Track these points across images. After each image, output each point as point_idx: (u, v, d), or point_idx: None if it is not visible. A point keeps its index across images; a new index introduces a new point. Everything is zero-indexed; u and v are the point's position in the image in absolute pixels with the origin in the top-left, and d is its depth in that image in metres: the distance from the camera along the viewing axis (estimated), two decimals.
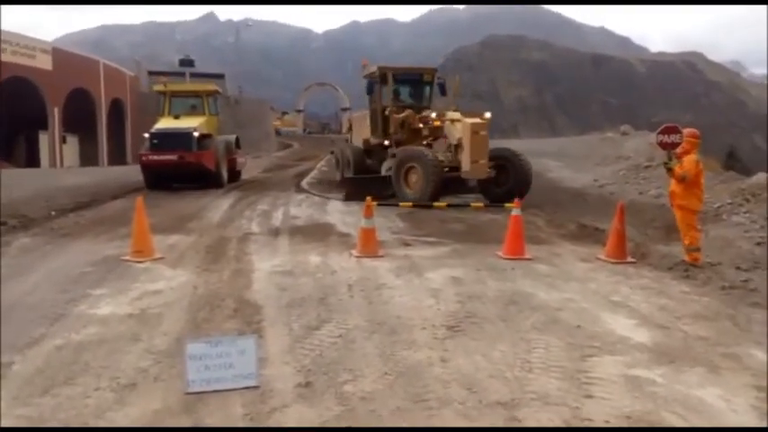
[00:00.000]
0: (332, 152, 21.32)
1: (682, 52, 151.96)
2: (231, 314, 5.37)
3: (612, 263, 7.78)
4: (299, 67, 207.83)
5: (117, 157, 38.72)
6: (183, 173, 16.67)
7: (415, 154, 13.10)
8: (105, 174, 23.12)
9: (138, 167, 17.44)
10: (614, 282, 6.91)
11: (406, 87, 15.96)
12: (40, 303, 5.65)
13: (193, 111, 18.23)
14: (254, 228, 10.40)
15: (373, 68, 15.83)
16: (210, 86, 19.84)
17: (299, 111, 78.50)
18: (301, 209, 13.10)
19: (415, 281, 6.64)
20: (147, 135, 16.81)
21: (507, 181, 13.27)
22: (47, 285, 6.32)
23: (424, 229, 10.19)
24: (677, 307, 5.96)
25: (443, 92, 15.95)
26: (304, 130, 73.47)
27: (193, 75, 52.60)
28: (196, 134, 16.52)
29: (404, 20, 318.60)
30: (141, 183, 17.10)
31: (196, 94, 18.99)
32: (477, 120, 13.00)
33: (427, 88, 15.75)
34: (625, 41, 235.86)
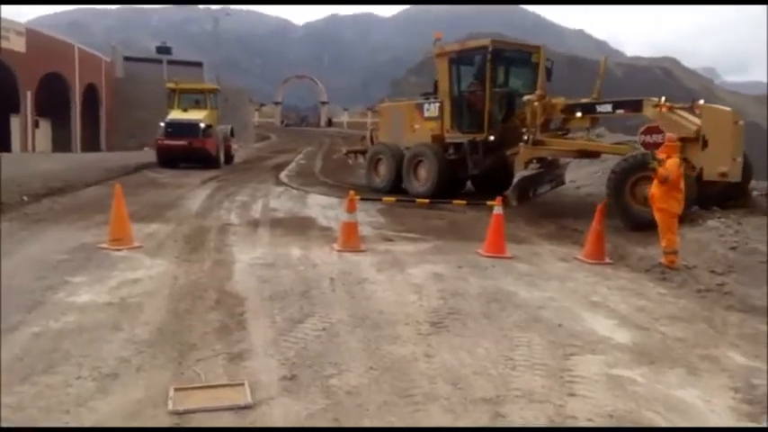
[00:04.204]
0: (356, 152, 19.19)
1: (657, 57, 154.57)
2: (213, 305, 5.32)
3: (590, 263, 7.87)
4: (277, 58, 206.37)
5: (91, 144, 37.99)
6: (190, 156, 20.48)
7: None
8: (78, 160, 22.68)
9: (109, 154, 18.66)
10: (593, 282, 6.99)
11: (514, 68, 14.18)
12: (16, 290, 5.51)
13: (198, 105, 22.55)
14: (234, 219, 10.30)
15: (483, 42, 13.74)
16: (212, 86, 24.87)
17: (277, 103, 78.02)
18: (281, 201, 13.02)
19: (398, 276, 6.65)
20: (162, 124, 20.85)
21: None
22: (23, 272, 6.18)
23: (405, 225, 10.21)
24: (655, 308, 6.05)
25: (550, 76, 13.65)
26: (282, 122, 73.04)
27: (171, 62, 52.03)
28: (202, 125, 20.57)
29: (384, 15, 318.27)
30: (115, 170, 17.47)
31: (201, 92, 23.72)
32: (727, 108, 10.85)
33: (533, 71, 13.62)
34: (602, 45, 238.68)
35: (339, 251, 7.77)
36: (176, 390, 3.61)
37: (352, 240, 7.88)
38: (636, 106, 11.50)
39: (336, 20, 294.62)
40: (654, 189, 8.01)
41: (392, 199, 10.86)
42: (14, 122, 33.16)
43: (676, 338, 5.15)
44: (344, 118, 77.03)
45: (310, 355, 4.25)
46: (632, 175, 10.27)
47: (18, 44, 31.66)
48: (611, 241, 8.89)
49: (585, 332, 5.13)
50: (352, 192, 8.14)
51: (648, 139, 8.65)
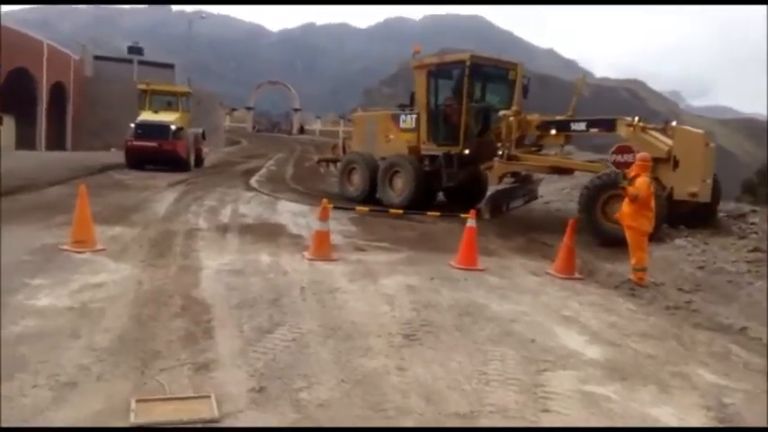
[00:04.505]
0: (328, 161, 19.01)
1: (624, 79, 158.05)
2: (178, 312, 5.14)
3: (561, 278, 7.89)
4: (250, 63, 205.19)
5: (56, 142, 37.07)
6: (159, 158, 20.09)
7: None
8: (43, 158, 22.07)
9: (75, 154, 18.23)
10: (564, 297, 7.00)
11: (491, 84, 14.14)
12: None
13: (169, 107, 22.18)
14: (202, 223, 10.08)
15: (461, 56, 13.76)
16: (184, 88, 24.70)
17: (249, 108, 77.40)
18: (251, 207, 12.82)
19: (370, 287, 6.55)
20: (132, 125, 20.39)
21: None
22: None
23: (377, 235, 10.12)
24: (626, 324, 6.07)
25: (527, 93, 13.85)
26: (253, 127, 72.46)
27: (142, 63, 51.19)
28: (173, 127, 20.19)
29: (359, 26, 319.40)
30: (80, 170, 17.04)
31: (173, 94, 23.34)
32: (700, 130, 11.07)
33: (510, 87, 13.84)
34: (572, 64, 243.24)
35: (310, 260, 7.64)
36: (138, 401, 3.44)
37: (323, 249, 7.75)
38: (610, 125, 11.66)
39: (312, 28, 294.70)
40: (625, 207, 8.08)
41: (365, 209, 10.76)
42: None
43: (647, 355, 5.16)
44: (317, 126, 76.81)
45: (280, 367, 4.12)
46: (604, 192, 10.39)
47: None
48: (580, 257, 8.93)
49: (558, 347, 5.10)
50: (325, 200, 8.02)
51: (619, 158, 8.76)
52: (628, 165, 8.65)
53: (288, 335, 4.75)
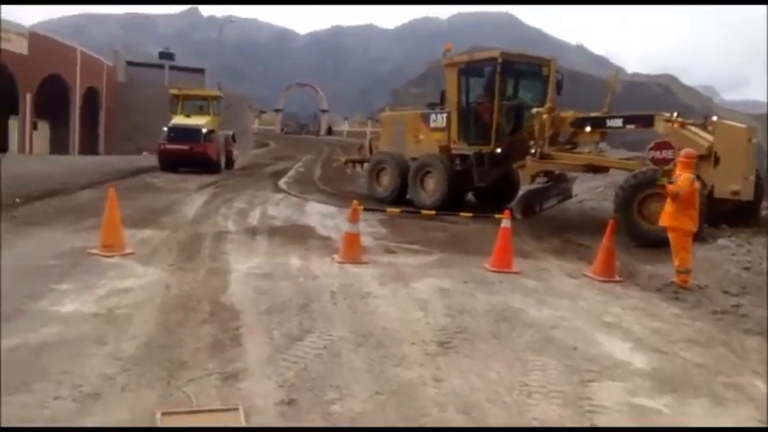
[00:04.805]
0: (354, 161, 18.87)
1: (656, 74, 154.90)
2: (207, 318, 5.00)
3: (600, 281, 7.59)
4: (279, 66, 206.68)
5: (89, 147, 37.69)
6: (191, 160, 20.49)
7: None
8: (75, 162, 22.34)
9: (107, 158, 18.32)
10: (604, 301, 6.70)
11: (523, 80, 13.84)
12: None
13: (201, 111, 22.73)
14: (230, 226, 10.00)
15: (492, 53, 13.41)
16: (215, 92, 24.81)
17: (277, 110, 77.87)
18: (279, 209, 12.73)
19: (401, 291, 6.35)
20: (165, 129, 21.01)
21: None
22: (5, 278, 5.83)
23: (407, 236, 9.92)
24: (671, 330, 5.76)
25: (560, 90, 13.29)
26: (282, 129, 72.85)
27: (173, 68, 51.88)
28: (204, 130, 20.76)
29: (387, 26, 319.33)
30: (111, 174, 17.24)
31: (204, 98, 23.82)
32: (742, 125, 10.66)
33: (543, 84, 13.31)
34: (602, 60, 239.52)
35: (340, 262, 7.47)
36: (164, 414, 3.29)
37: (353, 251, 7.57)
38: (647, 121, 11.27)
39: (339, 30, 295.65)
40: (667, 206, 7.73)
41: (397, 210, 10.53)
42: (13, 124, 32.88)
43: (696, 364, 4.85)
44: (345, 127, 76.88)
45: (311, 377, 3.93)
46: (641, 191, 10.04)
47: (20, 46, 31.42)
48: (618, 258, 8.58)
49: (602, 356, 4.83)
50: (355, 201, 7.84)
51: (658, 154, 8.41)
52: (667, 161, 8.31)
53: (318, 342, 4.57)
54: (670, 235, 7.71)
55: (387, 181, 15.28)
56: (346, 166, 19.50)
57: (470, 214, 10.28)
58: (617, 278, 7.77)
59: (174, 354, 4.15)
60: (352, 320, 5.19)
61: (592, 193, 18.59)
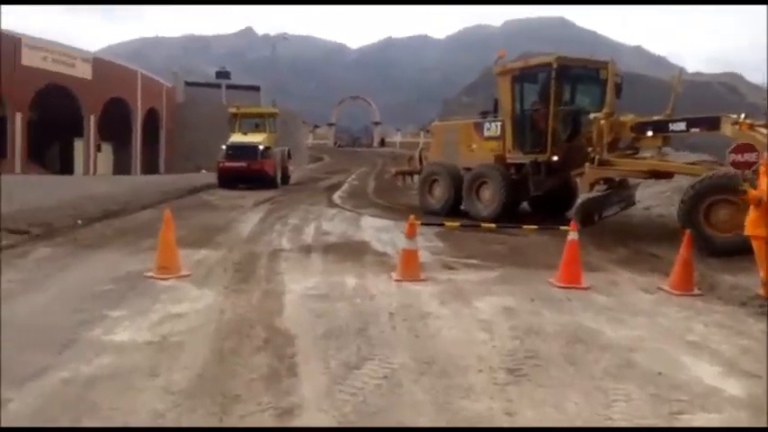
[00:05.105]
0: (404, 173, 18.71)
1: (720, 73, 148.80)
2: (261, 345, 4.77)
3: (678, 295, 7.02)
4: (331, 80, 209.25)
5: (150, 166, 38.84)
6: (249, 177, 21.03)
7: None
8: (137, 182, 22.95)
9: (167, 176, 18.79)
10: (685, 317, 6.16)
11: (580, 85, 13.36)
12: (49, 325, 5.13)
13: (257, 128, 23.47)
14: (285, 244, 9.87)
15: (547, 58, 12.92)
16: (271, 110, 26.19)
17: (330, 124, 78.66)
18: (334, 224, 12.58)
19: (464, 310, 5.99)
20: (223, 147, 21.92)
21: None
22: (60, 304, 5.81)
23: (465, 250, 9.54)
24: (762, 350, 5.19)
25: (620, 93, 12.59)
26: (335, 143, 73.48)
27: (229, 86, 53.14)
28: (261, 147, 21.47)
29: (438, 36, 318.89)
30: (171, 193, 17.53)
31: (260, 116, 24.75)
32: None
33: (601, 88, 12.63)
34: (661, 61, 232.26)
35: (397, 280, 7.17)
36: None
37: (411, 269, 7.26)
38: (713, 124, 10.61)
39: (390, 42, 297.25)
40: (751, 213, 7.11)
41: (456, 223, 10.15)
42: (78, 146, 34.22)
43: None
44: (397, 138, 76.95)
45: (370, 411, 3.64)
46: (707, 197, 9.50)
47: (84, 71, 32.77)
48: (695, 268, 8.00)
49: (691, 382, 4.35)
50: (412, 216, 7.54)
51: (739, 158, 7.77)
52: (749, 164, 7.67)
53: (378, 371, 4.27)
54: (754, 244, 7.09)
55: (439, 192, 14.97)
56: (396, 177, 19.19)
57: (534, 227, 9.79)
58: (696, 291, 7.19)
59: (227, 386, 3.93)
60: (413, 345, 4.88)
61: (658, 199, 17.71)
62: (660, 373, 4.47)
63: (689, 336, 5.52)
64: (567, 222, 11.20)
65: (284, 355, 4.56)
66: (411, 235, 7.33)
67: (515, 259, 8.83)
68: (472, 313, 5.88)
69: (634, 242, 10.71)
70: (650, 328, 5.69)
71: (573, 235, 7.32)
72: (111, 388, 3.87)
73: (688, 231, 7.52)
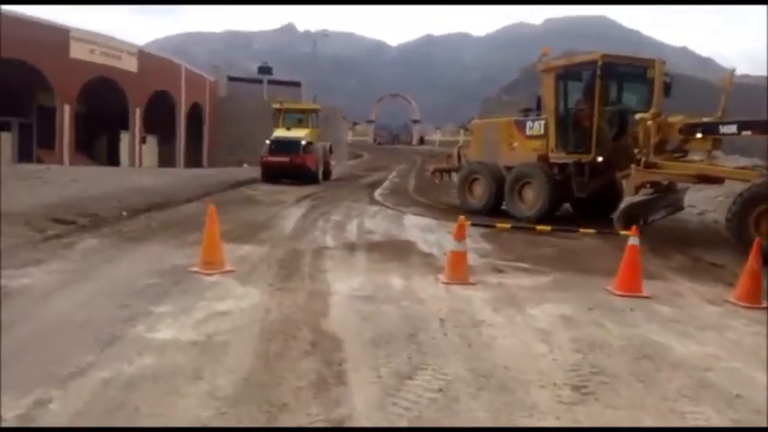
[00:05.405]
0: (443, 171, 18.34)
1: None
2: (308, 349, 4.55)
3: (745, 307, 6.56)
4: (371, 78, 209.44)
5: (193, 160, 39.27)
6: (291, 172, 21.21)
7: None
8: (181, 175, 23.12)
9: (210, 170, 19.06)
10: (757, 332, 5.72)
11: (626, 84, 12.87)
12: (94, 320, 4.99)
13: (300, 124, 23.56)
14: (329, 241, 9.67)
15: (592, 56, 12.49)
16: (314, 105, 25.82)
17: (370, 121, 78.61)
18: (376, 221, 12.34)
19: (518, 318, 5.67)
20: (267, 142, 21.96)
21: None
22: (105, 297, 5.69)
23: (514, 253, 9.19)
24: None
25: (669, 92, 12.03)
26: (374, 140, 73.40)
27: (271, 82, 53.42)
28: (303, 142, 21.50)
29: (478, 34, 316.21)
30: (214, 186, 17.69)
31: (303, 111, 24.73)
32: None
33: (648, 87, 12.06)
34: (707, 62, 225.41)
35: (445, 283, 6.89)
36: None
37: (460, 272, 6.96)
38: (766, 127, 10.09)
39: (430, 39, 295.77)
40: None
41: (507, 225, 9.78)
42: (124, 138, 34.79)
43: None
44: (437, 136, 76.51)
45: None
46: (759, 204, 9.17)
47: (130, 64, 33.26)
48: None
49: None
50: (461, 217, 7.23)
51: None
52: None
53: (432, 382, 4.00)
54: None
55: (480, 191, 14.64)
56: (434, 175, 18.81)
57: (592, 231, 9.36)
58: (765, 304, 6.72)
59: (273, 394, 3.71)
60: (468, 355, 4.59)
61: (712, 204, 16.99)
62: (738, 396, 4.09)
63: (762, 352, 5.10)
64: (610, 225, 10.81)
65: (332, 361, 4.33)
66: (460, 237, 7.02)
67: (567, 264, 8.44)
68: (527, 322, 5.56)
69: (691, 249, 10.21)
70: (720, 343, 5.29)
71: (634, 240, 6.91)
72: (153, 391, 3.69)
73: (758, 240, 7.04)
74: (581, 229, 8.62)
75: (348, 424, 3.37)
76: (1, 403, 3.30)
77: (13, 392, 3.55)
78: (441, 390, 3.89)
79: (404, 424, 3.41)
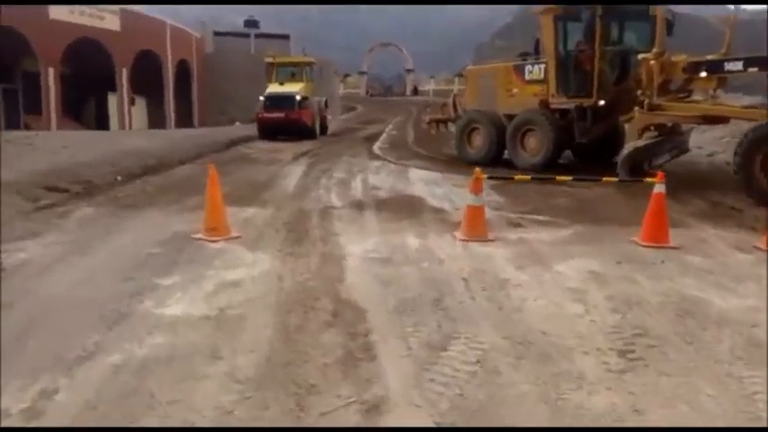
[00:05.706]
0: (438, 121, 17.47)
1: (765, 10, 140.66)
2: (329, 320, 4.24)
3: None
4: (359, 27, 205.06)
5: (184, 120, 38.42)
6: (287, 127, 20.78)
7: None
8: (172, 136, 22.49)
9: (202, 130, 18.84)
10: None
11: (628, 23, 12.53)
12: (97, 296, 4.66)
13: (294, 78, 22.80)
14: (334, 200, 9.32)
15: None
16: (308, 58, 24.71)
17: (362, 73, 77.09)
18: (380, 177, 11.96)
19: (545, 275, 5.37)
20: (261, 98, 21.28)
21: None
22: (107, 271, 5.35)
23: (528, 205, 8.87)
24: None
25: (671, 30, 11.43)
26: (367, 92, 72.13)
27: (258, 35, 51.96)
28: (298, 97, 20.94)
29: None
30: (208, 146, 17.25)
31: (296, 65, 23.77)
32: None
33: (651, 25, 11.48)
34: None
35: (463, 240, 6.57)
36: None
37: (478, 228, 6.63)
38: None
39: None
40: None
41: (527, 177, 9.39)
42: (112, 101, 33.92)
43: None
44: (431, 86, 75.13)
45: (471, 408, 3.08)
46: (764, 145, 8.88)
47: (113, 23, 32.13)
48: None
49: None
50: (477, 170, 6.85)
51: None
52: None
53: (468, 354, 3.70)
54: None
55: (480, 141, 14.22)
56: (430, 126, 18.24)
57: (614, 179, 8.98)
58: None
59: (299, 373, 3.40)
60: (500, 320, 4.29)
61: (719, 145, 16.59)
62: None
63: None
64: (614, 171, 10.47)
65: (357, 332, 4.03)
66: (477, 190, 6.66)
67: (586, 215, 8.11)
68: (555, 280, 5.26)
69: (707, 193, 9.90)
70: (760, 294, 5.00)
71: (660, 187, 6.57)
72: (168, 375, 3.38)
73: None
74: (604, 179, 8.23)
75: (384, 406, 3.08)
76: (1, 398, 3.01)
77: (15, 382, 3.25)
78: (478, 361, 3.60)
79: (445, 403, 3.11)
